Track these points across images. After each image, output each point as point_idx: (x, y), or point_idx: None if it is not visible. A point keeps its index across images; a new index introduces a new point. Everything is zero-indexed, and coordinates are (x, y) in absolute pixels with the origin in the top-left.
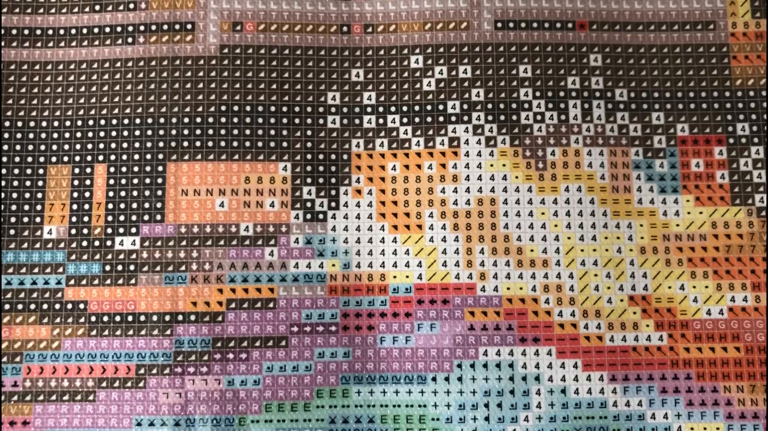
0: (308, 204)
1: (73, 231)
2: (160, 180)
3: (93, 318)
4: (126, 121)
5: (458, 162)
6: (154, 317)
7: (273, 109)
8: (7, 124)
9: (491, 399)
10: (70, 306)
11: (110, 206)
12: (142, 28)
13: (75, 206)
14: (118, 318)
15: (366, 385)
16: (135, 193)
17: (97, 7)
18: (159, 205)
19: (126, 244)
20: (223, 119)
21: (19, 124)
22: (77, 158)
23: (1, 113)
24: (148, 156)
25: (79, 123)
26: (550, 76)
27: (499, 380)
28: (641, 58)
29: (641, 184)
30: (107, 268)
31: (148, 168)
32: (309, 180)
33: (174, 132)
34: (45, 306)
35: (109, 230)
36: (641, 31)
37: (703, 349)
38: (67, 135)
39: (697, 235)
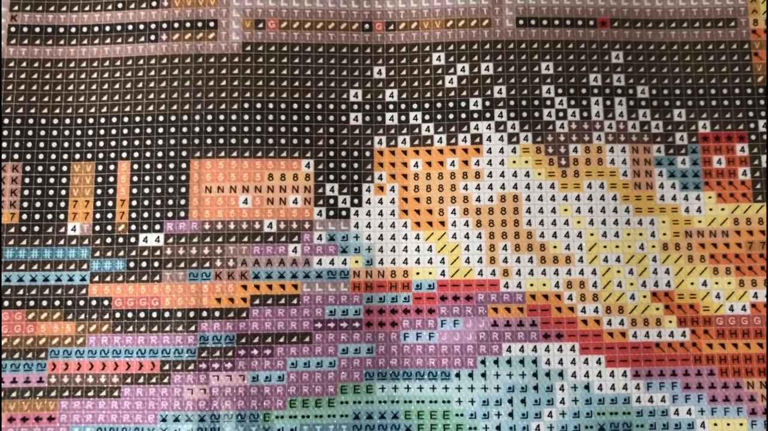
0: (331, 201)
1: (97, 228)
2: (183, 177)
3: (117, 315)
4: (149, 118)
5: (481, 159)
6: (179, 314)
7: (296, 106)
8: (30, 121)
9: (515, 395)
10: (94, 303)
11: (134, 202)
12: (164, 25)
13: (99, 203)
14: (142, 315)
15: (390, 381)
16: (159, 190)
17: (120, 5)
18: (183, 202)
19: (150, 241)
20: (246, 117)
21: (43, 121)
22: (101, 155)
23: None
24: (172, 153)
25: (103, 120)
26: (571, 73)
27: (523, 376)
28: (662, 55)
29: (663, 180)
30: (131, 265)
31: (171, 165)
32: (332, 177)
33: (197, 129)
34: (69, 303)
35: (133, 227)
36: (662, 29)
37: (726, 345)
38: (90, 132)
39: (720, 231)
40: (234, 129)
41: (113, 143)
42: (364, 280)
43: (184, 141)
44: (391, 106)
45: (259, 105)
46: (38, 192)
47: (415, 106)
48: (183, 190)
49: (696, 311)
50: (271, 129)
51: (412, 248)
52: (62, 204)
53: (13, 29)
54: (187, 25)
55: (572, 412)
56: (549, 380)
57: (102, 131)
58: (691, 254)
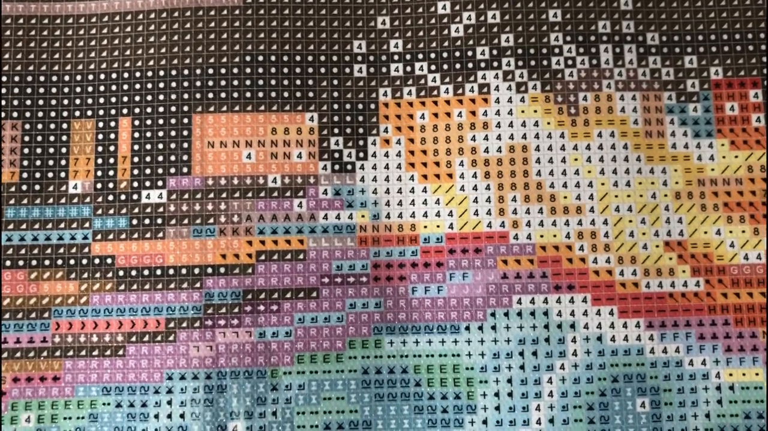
0: (336, 155)
1: (99, 185)
2: (185, 132)
3: (121, 273)
4: (150, 73)
5: (488, 109)
6: (183, 271)
7: (298, 59)
8: (29, 79)
9: (526, 348)
10: (97, 261)
11: (136, 159)
12: None
13: (100, 161)
14: (146, 272)
15: (398, 335)
16: (160, 146)
17: None
18: (185, 157)
19: (153, 197)
20: (248, 70)
21: (42, 79)
22: (101, 112)
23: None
24: (173, 109)
25: (102, 77)
26: (580, 20)
27: (534, 328)
28: (672, 0)
29: (675, 128)
30: (134, 222)
31: (173, 121)
32: (336, 131)
33: (199, 84)
34: (72, 262)
35: (135, 184)
36: None
37: (740, 294)
38: (90, 89)
39: (733, 179)
40: (236, 83)
41: (113, 100)
42: (371, 234)
43: (186, 96)
44: (395, 57)
45: (261, 58)
46: (38, 150)
47: (420, 56)
48: (185, 145)
49: (710, 260)
50: (273, 82)
51: (419, 201)
52: (63, 162)
53: None
54: None
55: (584, 364)
56: (560, 332)
57: (102, 88)
58: (704, 203)
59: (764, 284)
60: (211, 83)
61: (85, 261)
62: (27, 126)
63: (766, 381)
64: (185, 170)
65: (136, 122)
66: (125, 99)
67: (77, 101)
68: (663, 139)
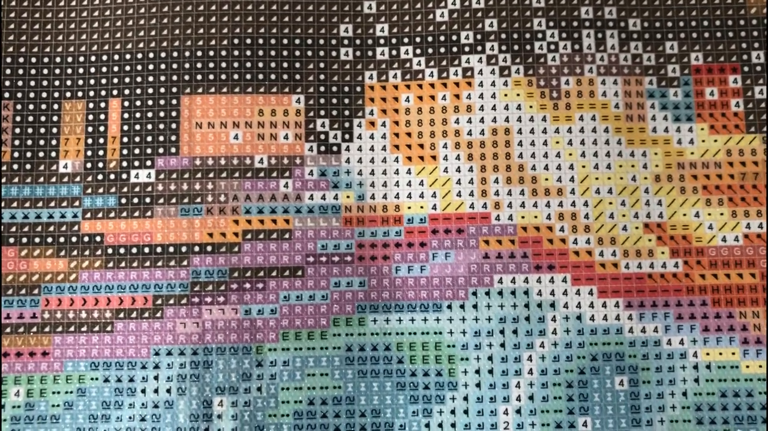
0: (322, 136)
1: (89, 165)
2: (174, 113)
3: (110, 251)
4: (139, 55)
5: (472, 92)
6: (171, 249)
7: (286, 42)
8: (21, 60)
9: (507, 326)
10: (86, 239)
11: (125, 139)
12: None
13: (90, 141)
14: (134, 250)
15: (382, 313)
16: (149, 127)
17: None
18: (173, 138)
19: (141, 177)
20: (236, 52)
21: (34, 60)
22: (91, 93)
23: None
24: (162, 90)
25: (93, 58)
26: (563, 6)
27: (515, 307)
28: None
29: (655, 113)
30: (123, 201)
31: (162, 102)
32: (322, 113)
33: (187, 66)
34: (62, 239)
35: (125, 164)
36: None
37: (718, 275)
38: (81, 71)
39: (712, 163)
40: (224, 65)
41: (104, 81)
42: (356, 215)
43: (175, 77)
44: (381, 41)
45: (249, 40)
46: (30, 130)
47: (405, 40)
48: (174, 126)
49: (689, 242)
50: (261, 64)
51: (403, 182)
52: (54, 142)
53: None
54: None
55: (564, 343)
56: (541, 311)
57: (93, 69)
58: (684, 186)
59: (742, 266)
60: (199, 65)
61: (74, 239)
62: (19, 106)
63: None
64: (173, 150)
65: (126, 103)
66: (115, 81)
67: (68, 83)
68: (644, 123)
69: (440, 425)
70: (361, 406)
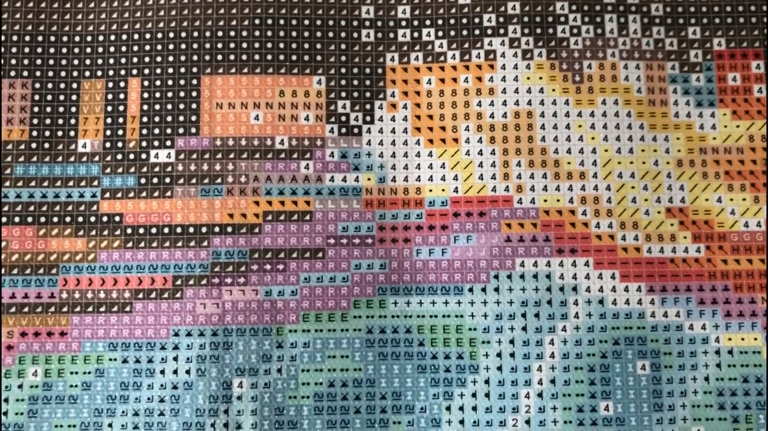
0: (343, 118)
1: (108, 145)
2: (194, 93)
3: (129, 231)
4: (160, 35)
5: (494, 75)
6: (191, 229)
7: (307, 22)
8: (40, 38)
9: (528, 310)
10: (105, 219)
11: (145, 119)
12: None
13: (109, 120)
14: (154, 230)
15: (402, 296)
16: (169, 106)
17: None
18: (194, 118)
19: (161, 157)
20: (257, 33)
21: (53, 38)
22: (111, 73)
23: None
24: (182, 70)
25: (113, 38)
26: None
27: (537, 290)
28: None
29: (678, 98)
30: (142, 181)
31: (182, 82)
32: (343, 94)
33: (208, 46)
34: (80, 219)
35: (144, 144)
36: None
37: (740, 261)
38: (100, 50)
39: (734, 148)
40: (245, 45)
41: (123, 60)
42: (377, 197)
43: (195, 57)
44: (403, 23)
45: (270, 21)
46: (48, 109)
47: (428, 22)
48: (194, 106)
49: (710, 227)
50: (282, 45)
51: (424, 165)
52: (72, 121)
53: None
54: None
55: (586, 327)
56: (563, 294)
57: (112, 48)
58: (706, 171)
59: (764, 251)
60: (220, 45)
61: (93, 219)
62: (37, 85)
63: (765, 346)
64: (193, 130)
65: (146, 83)
66: (135, 60)
67: (87, 62)
68: (666, 108)
69: (461, 408)
70: (382, 388)
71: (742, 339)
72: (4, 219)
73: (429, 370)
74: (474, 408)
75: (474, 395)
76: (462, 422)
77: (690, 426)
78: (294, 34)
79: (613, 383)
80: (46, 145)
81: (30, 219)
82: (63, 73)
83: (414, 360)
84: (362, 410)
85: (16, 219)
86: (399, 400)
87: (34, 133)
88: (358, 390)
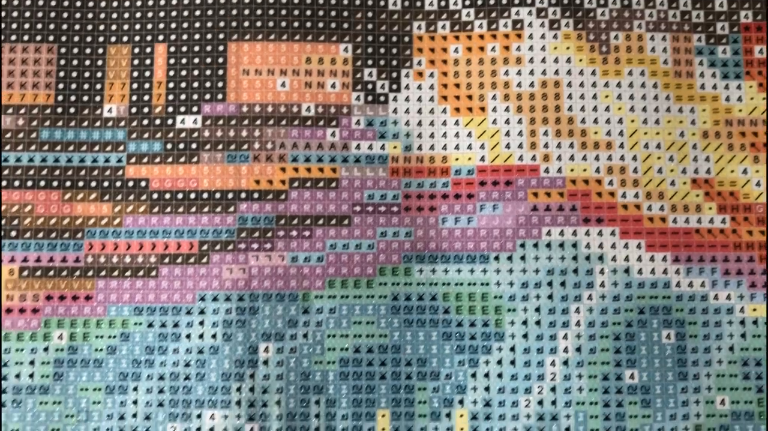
0: (369, 86)
1: (134, 110)
2: (220, 60)
3: (155, 196)
4: (186, 1)
5: (521, 45)
6: (217, 195)
7: None
8: (65, 3)
9: (554, 278)
10: (131, 184)
11: (171, 85)
12: None
13: (135, 86)
14: (180, 196)
15: (428, 264)
16: (196, 72)
17: None
18: (220, 84)
19: (187, 123)
20: (284, 0)
21: (78, 3)
22: (137, 38)
23: None
24: (209, 36)
25: (139, 3)
26: None
27: (563, 259)
28: None
29: (704, 69)
30: (168, 146)
31: (208, 48)
32: (370, 62)
33: (235, 12)
34: (106, 184)
35: (170, 109)
36: None
37: (765, 232)
38: (126, 15)
39: (760, 120)
40: (272, 12)
41: (150, 26)
42: (403, 166)
43: (222, 24)
44: None
45: None
46: (73, 74)
47: None
48: (220, 72)
49: (736, 198)
50: (309, 12)
51: (451, 134)
52: (98, 86)
53: None
54: None
55: (612, 295)
56: (589, 263)
57: (138, 14)
58: (732, 143)
59: None
60: (246, 12)
61: (119, 184)
62: (63, 50)
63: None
64: (220, 96)
65: (172, 49)
66: (161, 26)
67: (113, 27)
68: (692, 79)
69: (486, 375)
70: (407, 355)
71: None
72: (29, 183)
73: (454, 337)
74: (499, 376)
75: (499, 362)
76: (487, 389)
77: (714, 395)
78: (321, 1)
79: (638, 352)
80: (72, 109)
81: (55, 183)
82: (89, 39)
83: (439, 328)
84: (387, 376)
85: (42, 183)
86: (424, 367)
87: (60, 97)
88: (384, 356)
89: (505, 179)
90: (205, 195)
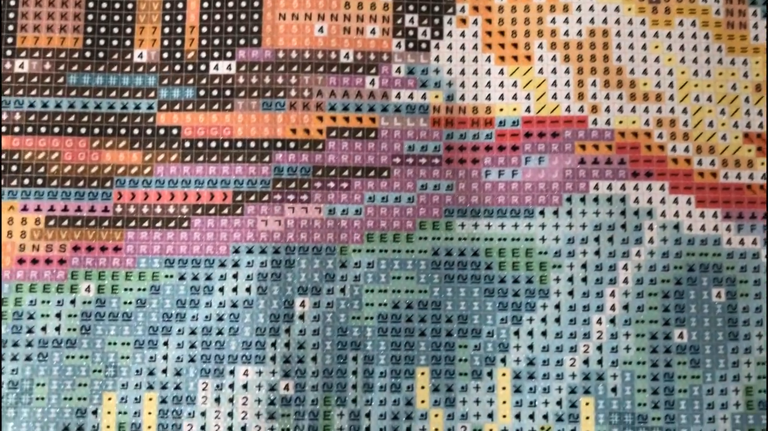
0: (410, 33)
1: (165, 55)
2: (256, 4)
3: (187, 144)
4: None
5: None
6: (252, 144)
7: None
8: None
9: (602, 234)
10: (162, 132)
11: (204, 29)
12: None
13: (167, 30)
14: (213, 144)
15: (470, 218)
16: (230, 17)
17: None
18: (255, 29)
19: (221, 69)
20: None
21: None
22: None
23: None
24: None
25: None
26: None
27: (610, 214)
28: None
29: (757, 20)
30: (201, 93)
31: None
32: (411, 8)
33: None
34: (136, 131)
35: (203, 55)
36: None
37: None
38: None
39: None
40: None
41: None
42: (445, 116)
43: None
44: None
45: None
46: (102, 17)
47: None
48: (256, 17)
49: None
50: None
51: (495, 83)
52: (128, 30)
53: None
54: None
55: (661, 252)
56: (637, 219)
57: None
58: None
59: None
60: None
61: (149, 131)
62: None
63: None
64: (255, 42)
65: None
66: None
67: None
68: (745, 31)
69: (530, 333)
70: (448, 311)
71: None
72: (56, 129)
73: (497, 294)
74: (544, 333)
75: (543, 320)
76: (531, 347)
77: (765, 356)
78: None
79: (687, 310)
80: (101, 54)
81: (83, 130)
82: None
83: (481, 284)
84: (427, 333)
85: (69, 130)
86: (465, 324)
87: (88, 41)
88: (423, 312)
89: (551, 131)
90: (239, 144)
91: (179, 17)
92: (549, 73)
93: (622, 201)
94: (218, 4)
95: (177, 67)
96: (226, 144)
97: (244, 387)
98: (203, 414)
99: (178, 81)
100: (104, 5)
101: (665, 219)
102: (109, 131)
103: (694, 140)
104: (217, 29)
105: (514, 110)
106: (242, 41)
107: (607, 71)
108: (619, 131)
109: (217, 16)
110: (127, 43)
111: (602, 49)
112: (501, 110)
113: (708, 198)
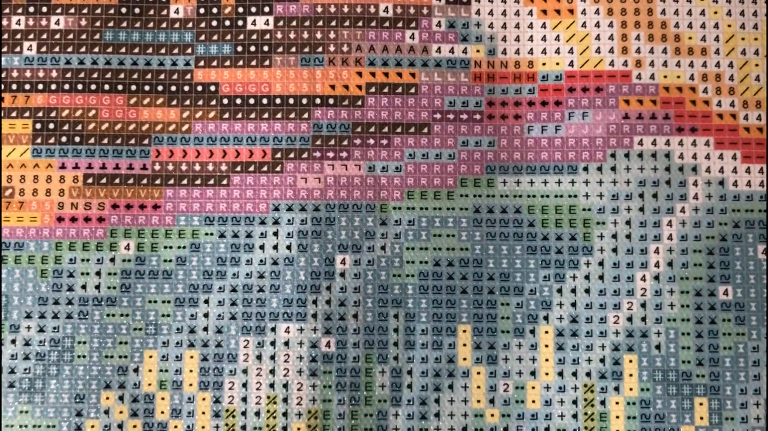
0: None
1: (202, 11)
2: None
3: (225, 101)
4: None
5: None
6: (291, 100)
7: None
8: None
9: (646, 190)
10: (200, 88)
11: None
12: None
13: None
14: (251, 101)
15: (512, 175)
16: None
17: None
18: None
19: (259, 24)
20: None
21: None
22: None
23: None
24: None
25: None
26: None
27: (655, 170)
28: None
29: None
30: (239, 49)
31: None
32: None
33: None
34: (173, 88)
35: (241, 10)
36: None
37: None
38: None
39: None
40: None
41: None
42: (486, 70)
43: None
44: None
45: None
46: None
47: None
48: None
49: None
50: None
51: (537, 37)
52: None
53: None
54: None
55: (706, 208)
56: (682, 175)
57: None
58: None
59: None
60: None
61: (187, 88)
62: None
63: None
64: None
65: None
66: None
67: None
68: None
69: (573, 290)
70: (490, 269)
71: None
72: (93, 86)
73: (539, 251)
74: (587, 291)
75: (587, 277)
76: (574, 305)
77: None
78: None
79: (732, 267)
80: (137, 10)
81: (120, 87)
82: None
83: (524, 241)
84: (469, 290)
85: (106, 87)
86: (507, 281)
87: None
88: (465, 270)
89: (595, 86)
90: (278, 101)
91: None
92: (592, 26)
93: (667, 157)
94: None
95: (214, 23)
96: (265, 101)
97: (286, 344)
98: (245, 371)
99: (215, 37)
100: None
101: (710, 175)
102: (146, 87)
103: (740, 95)
104: None
105: (557, 64)
106: None
107: (651, 25)
108: (664, 85)
109: None
110: None
111: (646, 2)
112: (543, 64)
113: (754, 154)
